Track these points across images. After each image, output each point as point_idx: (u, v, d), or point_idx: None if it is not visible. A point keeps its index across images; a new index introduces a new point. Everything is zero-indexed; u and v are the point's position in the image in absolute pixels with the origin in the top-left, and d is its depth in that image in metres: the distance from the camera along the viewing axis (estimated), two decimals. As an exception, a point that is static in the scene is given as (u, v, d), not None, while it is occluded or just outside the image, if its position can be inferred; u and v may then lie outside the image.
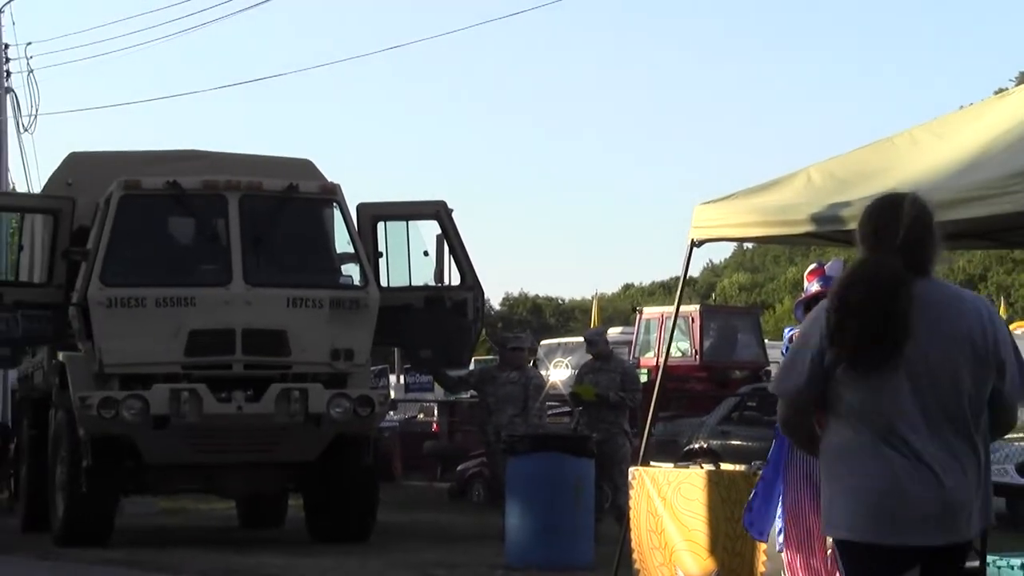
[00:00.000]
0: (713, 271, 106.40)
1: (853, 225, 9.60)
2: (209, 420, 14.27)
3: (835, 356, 4.88)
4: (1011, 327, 40.47)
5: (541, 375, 15.15)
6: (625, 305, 63.26)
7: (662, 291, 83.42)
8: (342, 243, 15.44)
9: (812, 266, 8.82)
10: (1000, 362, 4.93)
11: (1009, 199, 8.78)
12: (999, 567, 9.66)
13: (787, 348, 8.34)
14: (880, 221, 4.99)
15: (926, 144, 9.76)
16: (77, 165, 16.56)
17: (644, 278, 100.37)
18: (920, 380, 4.84)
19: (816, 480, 8.15)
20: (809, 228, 10.09)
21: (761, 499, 8.78)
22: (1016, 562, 9.68)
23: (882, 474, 4.83)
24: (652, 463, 11.05)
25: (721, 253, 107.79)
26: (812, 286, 8.64)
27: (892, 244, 4.90)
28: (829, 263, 8.77)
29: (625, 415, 15.34)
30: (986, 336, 4.92)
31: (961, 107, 11.60)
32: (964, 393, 4.87)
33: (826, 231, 10.27)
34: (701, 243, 10.51)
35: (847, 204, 9.58)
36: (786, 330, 8.85)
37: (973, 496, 4.88)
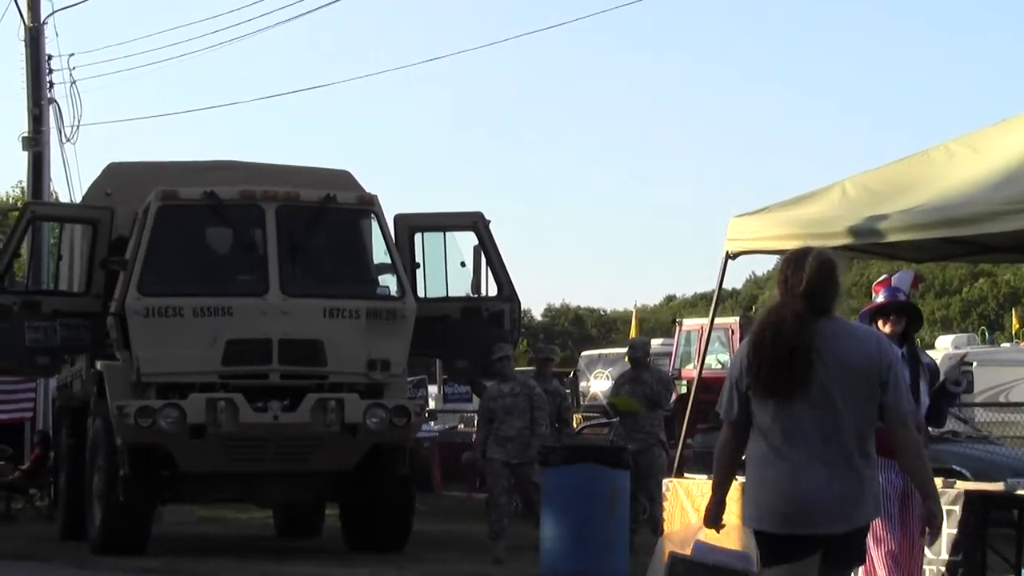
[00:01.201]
0: (756, 283, 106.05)
1: (890, 238, 9.70)
2: (245, 429, 14.30)
3: (753, 384, 6.08)
4: (1054, 342, 40.14)
5: (536, 386, 14.96)
6: (666, 316, 63.17)
7: (704, 303, 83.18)
8: (379, 254, 15.46)
9: (881, 277, 8.78)
10: (885, 382, 6.09)
11: (1045, 213, 8.74)
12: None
13: None
14: (788, 271, 6.15)
15: (962, 157, 9.73)
16: (116, 176, 16.64)
17: (687, 290, 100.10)
18: (819, 401, 6.00)
19: (889, 497, 8.12)
20: (845, 240, 10.07)
21: None
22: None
23: (789, 479, 6.03)
24: (687, 475, 11.02)
25: (764, 265, 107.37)
26: (878, 297, 8.62)
27: (797, 291, 6.09)
28: (897, 274, 8.72)
29: (661, 426, 15.29)
30: (873, 363, 6.09)
31: (999, 121, 11.52)
32: (855, 411, 6.03)
33: (861, 244, 10.25)
34: (736, 255, 10.51)
35: (884, 217, 9.57)
36: None
37: (861, 493, 6.06)
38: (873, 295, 8.71)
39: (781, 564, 6.11)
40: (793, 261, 6.19)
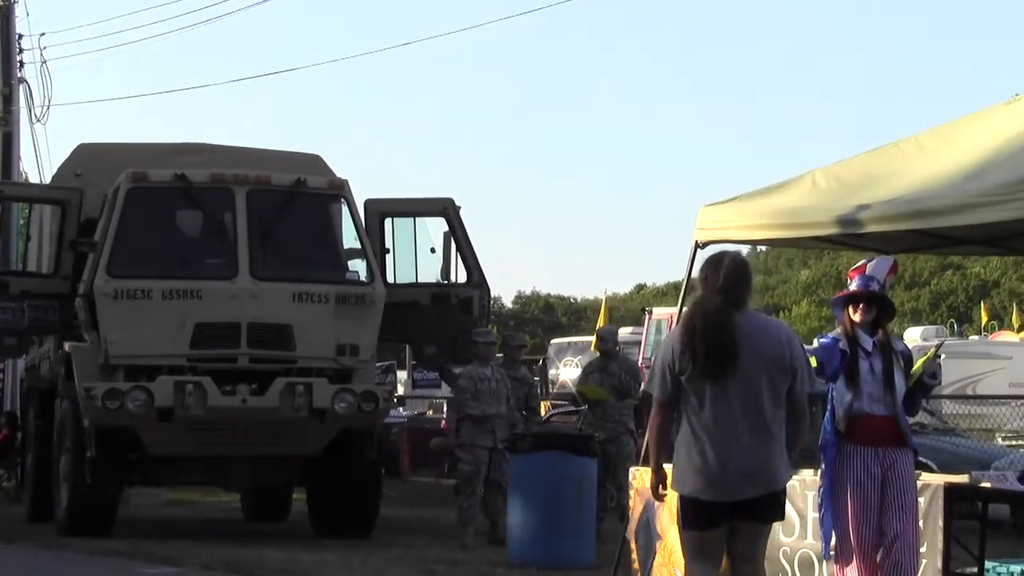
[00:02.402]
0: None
1: (860, 229, 9.71)
2: (213, 413, 14.28)
3: (686, 367, 7.12)
4: (1022, 335, 40.37)
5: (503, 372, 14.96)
6: (636, 305, 63.13)
7: (674, 292, 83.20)
8: (349, 239, 15.45)
9: (859, 263, 8.73)
10: (794, 370, 7.20)
11: (1015, 205, 8.77)
12: (998, 573, 9.64)
13: (826, 350, 8.34)
14: (708, 272, 7.26)
15: (933, 149, 9.74)
16: (85, 157, 16.57)
17: (657, 279, 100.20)
18: (740, 384, 7.10)
19: (865, 487, 8.27)
20: (814, 231, 10.10)
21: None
22: (1016, 568, 9.65)
23: (713, 449, 7.12)
24: (654, 463, 11.02)
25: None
26: (852, 284, 8.57)
27: (715, 287, 7.18)
28: (874, 262, 8.68)
29: (630, 415, 15.31)
30: (783, 353, 7.18)
31: (971, 113, 11.55)
32: (769, 394, 7.14)
33: (831, 234, 10.27)
34: (705, 244, 10.49)
35: (854, 208, 9.57)
36: (819, 338, 8.74)
37: (776, 463, 7.19)
38: (847, 281, 8.68)
39: (705, 528, 7.26)
40: (712, 263, 7.29)
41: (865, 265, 8.60)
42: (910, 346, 9.23)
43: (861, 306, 8.45)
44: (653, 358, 26.05)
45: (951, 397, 23.53)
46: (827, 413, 8.56)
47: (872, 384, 8.40)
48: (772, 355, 7.16)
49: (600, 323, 29.60)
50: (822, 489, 8.60)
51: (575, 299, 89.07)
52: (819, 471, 8.73)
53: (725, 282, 7.18)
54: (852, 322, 8.48)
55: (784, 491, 7.34)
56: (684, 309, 7.39)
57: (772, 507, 7.33)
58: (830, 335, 8.67)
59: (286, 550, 13.87)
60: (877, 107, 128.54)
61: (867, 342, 8.46)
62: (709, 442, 7.14)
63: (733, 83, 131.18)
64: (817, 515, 8.91)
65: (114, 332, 14.37)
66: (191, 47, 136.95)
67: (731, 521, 7.23)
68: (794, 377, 7.20)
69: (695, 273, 8.93)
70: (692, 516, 7.25)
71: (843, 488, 8.40)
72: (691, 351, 7.12)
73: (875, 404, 8.41)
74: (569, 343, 36.57)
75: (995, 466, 15.52)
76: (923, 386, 8.61)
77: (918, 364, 8.52)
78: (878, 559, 8.30)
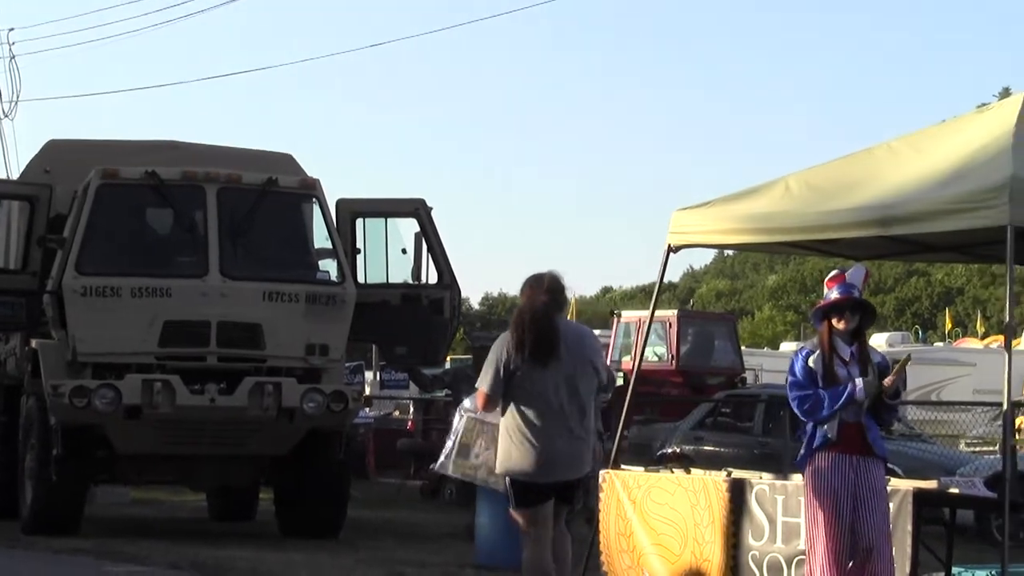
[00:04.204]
0: (693, 276, 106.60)
1: (831, 235, 9.76)
2: (181, 412, 14.22)
3: (517, 362, 8.32)
4: (986, 342, 40.61)
5: None
6: (603, 308, 63.22)
7: (642, 295, 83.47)
8: (320, 239, 15.40)
9: (833, 272, 8.72)
10: (596, 366, 8.61)
11: (986, 213, 8.84)
12: (965, 579, 9.71)
13: (801, 365, 8.38)
14: (532, 284, 8.54)
15: (905, 156, 9.79)
16: (55, 153, 16.47)
17: (624, 282, 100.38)
18: (563, 378, 8.38)
19: (838, 493, 8.29)
20: (786, 237, 10.15)
21: None
22: (982, 573, 9.73)
23: (539, 438, 8.32)
24: (623, 466, 11.06)
25: (701, 259, 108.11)
26: (831, 293, 8.57)
27: (540, 292, 8.48)
28: (851, 270, 8.71)
29: (598, 416, 15.29)
30: (593, 352, 8.65)
31: (943, 121, 11.61)
32: (584, 389, 8.48)
33: (802, 240, 10.32)
34: (678, 248, 10.54)
35: (826, 213, 9.62)
36: (800, 353, 8.73)
37: (587, 452, 8.53)
38: (825, 291, 8.68)
39: (531, 505, 8.44)
40: (535, 279, 8.59)
41: (843, 274, 8.63)
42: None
43: (846, 314, 8.49)
44: (620, 361, 26.07)
45: (916, 403, 23.64)
46: (806, 424, 8.56)
47: None
48: (586, 354, 8.55)
49: (569, 326, 29.56)
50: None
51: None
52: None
53: (549, 290, 8.48)
54: (831, 332, 8.51)
55: (584, 478, 8.70)
56: (520, 308, 8.52)
57: (575, 491, 8.65)
58: (806, 347, 8.72)
59: (253, 550, 13.83)
60: (849, 114, 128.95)
61: (845, 351, 8.50)
62: (534, 431, 8.35)
63: (702, 88, 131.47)
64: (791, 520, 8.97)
65: (82, 329, 14.30)
66: (163, 44, 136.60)
67: (546, 498, 8.44)
68: (596, 372, 8.58)
69: (671, 276, 8.99)
70: (522, 497, 8.46)
71: (817, 495, 8.43)
72: (521, 343, 8.35)
73: (849, 413, 8.44)
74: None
75: (960, 472, 15.61)
76: (886, 406, 8.59)
77: (896, 368, 8.54)
78: (850, 567, 8.34)
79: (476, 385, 8.58)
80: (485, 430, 9.03)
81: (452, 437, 9.31)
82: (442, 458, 9.38)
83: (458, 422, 9.26)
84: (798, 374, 8.51)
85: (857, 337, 8.57)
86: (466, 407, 9.29)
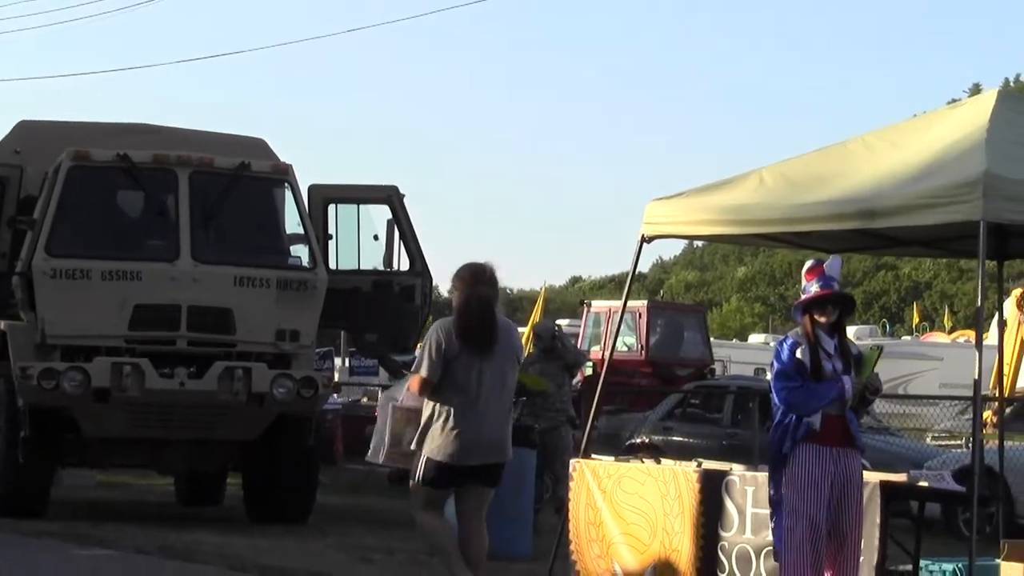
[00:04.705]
0: (662, 267, 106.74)
1: (805, 227, 9.77)
2: (151, 395, 14.18)
3: (462, 344, 8.71)
4: (953, 336, 40.79)
5: None
6: (572, 298, 63.32)
7: (612, 285, 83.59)
8: (292, 224, 15.38)
9: (810, 264, 8.66)
10: (519, 359, 9.18)
11: (958, 208, 8.87)
12: (931, 571, 9.74)
13: (788, 356, 8.37)
14: (471, 272, 8.91)
15: (879, 151, 9.81)
16: (26, 133, 16.37)
17: (593, 272, 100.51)
18: (495, 366, 8.82)
19: (819, 484, 8.33)
20: (760, 229, 10.15)
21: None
22: (948, 567, 9.75)
23: (467, 423, 8.72)
24: (593, 456, 11.07)
25: (671, 250, 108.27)
26: (812, 286, 8.53)
27: (480, 283, 8.85)
28: (828, 261, 8.67)
29: (570, 402, 15.35)
30: (518, 344, 9.17)
31: (915, 115, 11.66)
32: (510, 379, 8.96)
33: (776, 232, 10.33)
34: (652, 239, 10.54)
35: (800, 206, 9.64)
36: (785, 342, 8.69)
37: (509, 437, 8.97)
38: (804, 283, 8.64)
39: (437, 487, 8.85)
40: (473, 269, 8.94)
41: (821, 266, 8.61)
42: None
43: (828, 308, 8.51)
44: (588, 351, 26.10)
45: (883, 396, 23.65)
46: (779, 414, 8.55)
47: None
48: (513, 345, 9.02)
49: (536, 316, 29.61)
50: (773, 489, 8.60)
51: (511, 290, 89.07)
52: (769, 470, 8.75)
53: (489, 282, 8.89)
54: (814, 324, 8.50)
55: (506, 462, 9.05)
56: (461, 300, 8.85)
57: (499, 474, 9.03)
58: (789, 337, 8.68)
59: (221, 535, 13.81)
60: (819, 109, 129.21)
61: (829, 344, 8.51)
62: (464, 415, 8.73)
63: (675, 79, 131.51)
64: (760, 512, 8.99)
65: (51, 311, 14.24)
66: (135, 26, 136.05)
67: (462, 483, 8.88)
68: (520, 364, 9.24)
69: (640, 267, 9.01)
70: (435, 476, 8.82)
71: (798, 484, 8.43)
72: (465, 332, 8.75)
73: (834, 406, 8.46)
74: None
75: (928, 465, 15.68)
76: (864, 400, 8.61)
77: (872, 365, 8.54)
78: (823, 559, 8.37)
79: (412, 370, 8.96)
80: (412, 418, 9.10)
81: (381, 429, 9.39)
82: (372, 449, 9.48)
83: (386, 414, 9.32)
84: (786, 363, 8.43)
85: (837, 329, 8.58)
86: (393, 398, 9.38)
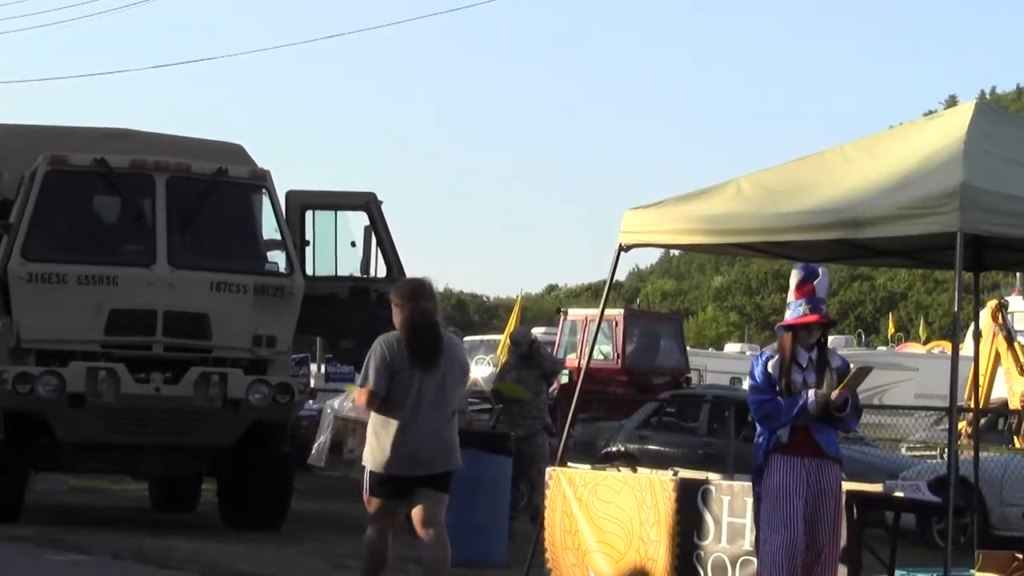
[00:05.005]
0: (639, 276, 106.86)
1: (783, 237, 9.79)
2: (126, 400, 14.15)
3: (409, 358, 8.88)
4: (928, 347, 40.90)
5: None
6: (549, 306, 63.29)
7: (588, 294, 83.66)
8: (269, 230, 15.35)
9: (799, 277, 8.65)
10: (465, 376, 9.37)
11: (934, 219, 8.91)
12: (907, 582, 9.78)
13: (761, 370, 8.42)
14: (415, 289, 9.14)
15: (857, 161, 9.84)
16: (3, 137, 16.25)
17: (569, 280, 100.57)
18: (439, 379, 8.97)
19: (791, 496, 8.36)
20: (738, 238, 10.17)
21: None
22: (923, 577, 9.79)
23: (409, 435, 8.88)
24: (569, 464, 11.07)
25: (647, 259, 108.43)
26: (800, 306, 8.54)
27: (423, 298, 9.06)
28: (819, 280, 8.64)
29: (547, 410, 15.35)
30: (463, 359, 9.35)
31: (891, 127, 11.69)
32: (453, 391, 9.09)
33: (754, 242, 10.35)
34: (629, 248, 10.55)
35: (777, 216, 9.65)
36: (760, 357, 8.73)
37: (455, 445, 9.11)
38: (792, 298, 8.64)
39: (385, 497, 9.04)
40: (415, 285, 9.22)
41: (812, 286, 8.60)
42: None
43: (813, 330, 8.54)
44: (564, 359, 26.09)
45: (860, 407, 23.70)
46: (758, 427, 8.59)
47: None
48: (457, 359, 9.19)
49: (512, 323, 29.60)
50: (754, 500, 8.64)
51: (488, 297, 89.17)
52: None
53: (431, 299, 9.13)
54: (794, 341, 8.54)
55: (453, 471, 9.22)
56: (406, 315, 9.03)
57: (449, 480, 9.21)
58: (766, 351, 8.75)
59: (196, 541, 13.76)
60: (796, 119, 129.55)
61: (803, 357, 8.55)
62: (406, 428, 8.90)
63: (652, 88, 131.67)
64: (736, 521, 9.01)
65: (27, 316, 14.20)
66: (113, 31, 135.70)
67: (413, 491, 9.03)
68: (464, 378, 9.38)
69: (617, 275, 9.01)
70: (378, 487, 9.04)
71: (771, 495, 8.46)
72: (413, 347, 8.93)
73: (800, 417, 8.48)
74: (481, 341, 36.58)
75: (903, 476, 15.71)
76: (833, 416, 8.59)
77: (843, 383, 8.52)
78: (799, 570, 8.39)
79: (359, 384, 9.17)
80: (355, 429, 9.31)
81: (322, 435, 9.64)
82: (314, 452, 9.71)
83: (327, 422, 9.53)
84: (758, 379, 8.55)
85: (817, 341, 8.61)
86: (334, 407, 9.59)
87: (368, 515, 9.31)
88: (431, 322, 9.01)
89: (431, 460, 9.01)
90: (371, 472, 9.06)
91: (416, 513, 9.14)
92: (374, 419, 9.04)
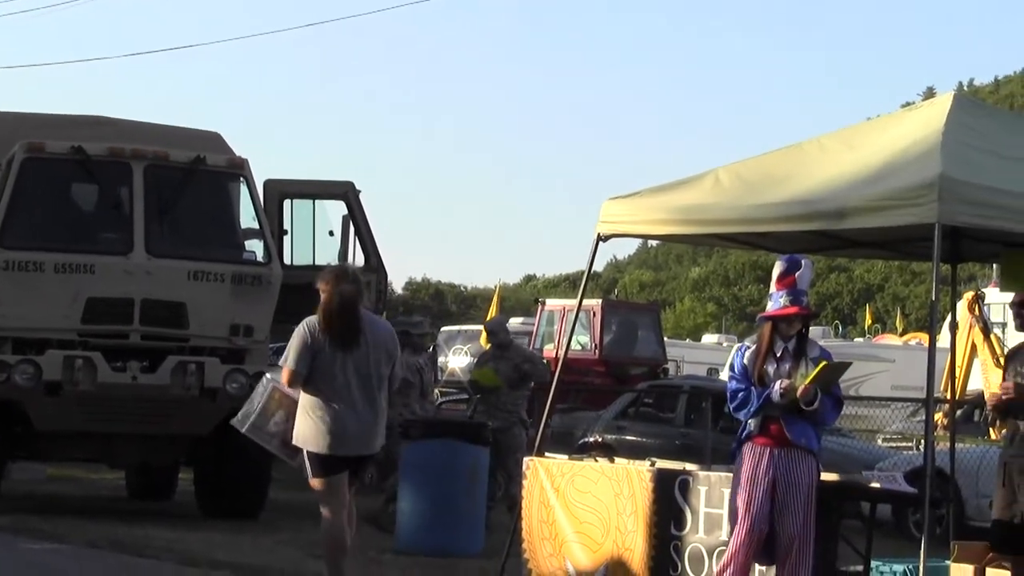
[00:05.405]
0: (616, 267, 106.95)
1: (760, 228, 9.80)
2: (103, 389, 14.12)
3: (329, 341, 9.07)
4: (905, 338, 41.00)
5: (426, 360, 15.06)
6: (527, 296, 63.30)
7: (566, 284, 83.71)
8: (247, 219, 15.32)
9: (782, 268, 8.69)
10: (394, 357, 9.40)
11: (912, 211, 8.92)
12: (882, 572, 9.81)
13: (738, 362, 8.47)
14: (338, 274, 9.40)
15: (834, 152, 9.85)
16: (-21, 125, 16.24)
17: (547, 270, 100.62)
18: (363, 361, 9.18)
19: (756, 484, 8.42)
20: (716, 229, 10.18)
21: None
22: (899, 568, 9.82)
23: (336, 414, 9.11)
24: (547, 454, 11.07)
25: (625, 249, 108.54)
26: (781, 297, 8.59)
27: (343, 282, 9.24)
28: (800, 272, 8.66)
29: (523, 405, 15.34)
30: (392, 344, 9.42)
31: (869, 119, 11.70)
32: (378, 372, 9.24)
33: (732, 232, 10.36)
34: (607, 238, 10.55)
35: (755, 207, 9.66)
36: (741, 347, 8.80)
37: (380, 429, 9.30)
38: (773, 290, 8.68)
39: (327, 475, 9.21)
40: (339, 271, 9.67)
41: (793, 277, 8.63)
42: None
43: (793, 322, 8.59)
44: (542, 349, 26.08)
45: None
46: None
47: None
48: (384, 343, 9.33)
49: (491, 313, 29.60)
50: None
51: (465, 287, 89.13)
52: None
53: (353, 280, 9.32)
54: (773, 332, 8.59)
55: (377, 453, 9.45)
56: (327, 297, 9.19)
57: (366, 464, 9.52)
58: (746, 343, 8.83)
59: (172, 530, 13.75)
60: (774, 111, 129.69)
61: (778, 347, 8.58)
62: (333, 408, 9.10)
63: (631, 78, 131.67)
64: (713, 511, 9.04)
65: (3, 304, 14.15)
66: (88, 19, 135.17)
67: (343, 470, 9.23)
68: (394, 363, 9.40)
69: (595, 266, 9.02)
70: (320, 467, 9.20)
71: (738, 484, 8.55)
72: (330, 328, 9.10)
73: (771, 407, 8.53)
74: (459, 331, 36.59)
75: (879, 467, 15.76)
76: (802, 410, 8.60)
77: (810, 376, 8.53)
78: (767, 557, 8.44)
79: (280, 363, 9.33)
80: (284, 404, 9.49)
81: (254, 399, 9.68)
82: (240, 415, 9.72)
83: (262, 388, 9.58)
84: (736, 370, 8.70)
85: (796, 333, 8.64)
86: (270, 376, 9.63)
87: (319, 498, 9.48)
88: (348, 304, 9.20)
89: (355, 442, 9.26)
90: (309, 453, 9.26)
91: None
92: (304, 400, 9.26)
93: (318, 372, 9.17)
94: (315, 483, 9.39)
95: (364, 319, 9.32)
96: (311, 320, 9.29)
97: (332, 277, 9.35)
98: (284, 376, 9.30)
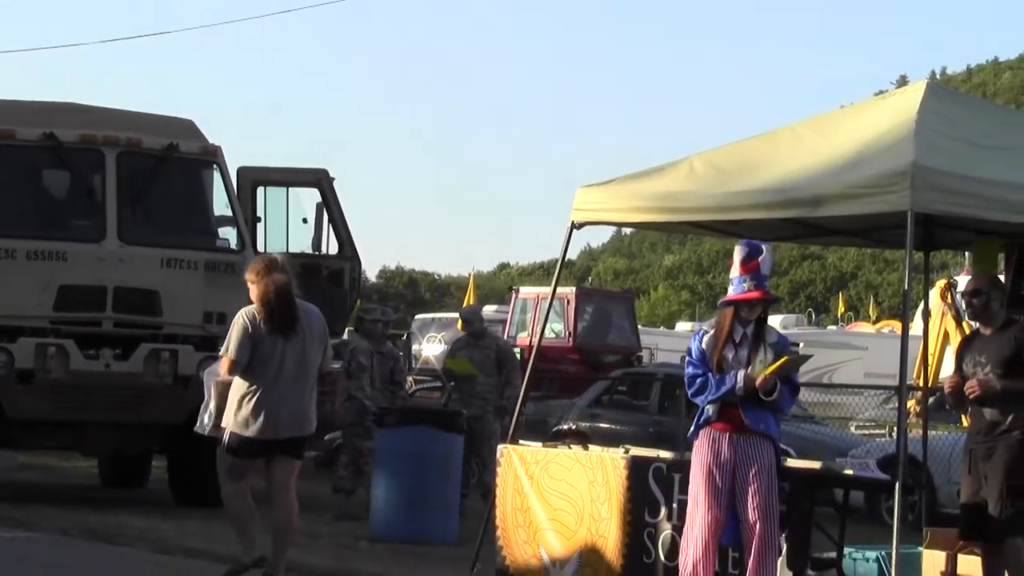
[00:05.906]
0: (590, 255, 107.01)
1: (734, 216, 9.82)
2: (76, 377, 14.09)
3: (267, 329, 9.35)
4: (878, 326, 41.08)
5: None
6: (501, 284, 63.34)
7: (540, 272, 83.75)
8: (220, 206, 15.30)
9: (743, 253, 8.66)
10: (324, 343, 9.68)
11: (885, 199, 8.93)
12: (855, 559, 9.83)
13: (697, 348, 8.49)
14: (268, 265, 9.58)
15: (808, 140, 9.87)
16: (-49, 111, 16.15)
17: (521, 258, 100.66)
18: (298, 347, 9.46)
19: (713, 470, 8.44)
20: (690, 216, 10.19)
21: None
22: (871, 555, 9.85)
23: (269, 400, 9.38)
24: (521, 441, 11.07)
25: (599, 237, 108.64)
26: (743, 282, 8.58)
27: (276, 272, 9.48)
28: (763, 256, 8.66)
29: (497, 392, 15.33)
30: (324, 330, 9.71)
31: (842, 106, 11.72)
32: (313, 359, 9.57)
33: (705, 220, 10.37)
34: (581, 226, 10.54)
35: (730, 195, 9.67)
36: (698, 334, 8.80)
37: (312, 413, 9.61)
38: (736, 273, 8.68)
39: (242, 457, 9.53)
40: (269, 261, 9.67)
41: (756, 263, 8.63)
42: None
43: (755, 307, 8.59)
44: (516, 337, 26.07)
45: (808, 385, 23.86)
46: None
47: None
48: (317, 330, 9.61)
49: (468, 301, 29.58)
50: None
51: (439, 275, 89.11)
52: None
53: (283, 270, 9.49)
54: (734, 317, 8.60)
55: (309, 436, 9.74)
56: (264, 287, 9.43)
57: (301, 447, 9.75)
58: (704, 327, 8.83)
59: (145, 518, 13.72)
60: (746, 99, 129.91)
61: (738, 332, 8.60)
62: (267, 393, 9.35)
63: (604, 66, 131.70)
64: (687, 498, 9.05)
65: (-25, 291, 14.09)
66: (62, 4, 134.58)
67: (270, 455, 9.54)
68: (325, 352, 9.70)
69: (569, 253, 9.00)
70: (237, 447, 9.49)
71: (695, 471, 8.59)
72: (269, 317, 9.35)
73: (728, 394, 8.54)
74: (433, 319, 36.59)
75: (852, 454, 15.81)
76: (760, 399, 8.61)
77: (770, 368, 8.53)
78: (715, 540, 8.48)
79: (221, 353, 9.58)
80: (226, 393, 9.66)
81: (207, 403, 9.78)
82: (203, 420, 9.81)
83: (209, 388, 9.69)
84: (693, 354, 8.66)
85: (756, 318, 8.65)
86: (212, 371, 9.74)
87: (220, 471, 9.78)
88: (284, 293, 9.43)
89: (288, 425, 9.49)
90: (232, 433, 9.52)
91: (270, 475, 9.71)
92: (238, 384, 9.49)
93: (257, 360, 9.42)
94: (224, 457, 9.67)
95: (299, 307, 9.55)
96: (249, 310, 9.54)
97: (263, 267, 9.57)
98: (224, 365, 9.53)
